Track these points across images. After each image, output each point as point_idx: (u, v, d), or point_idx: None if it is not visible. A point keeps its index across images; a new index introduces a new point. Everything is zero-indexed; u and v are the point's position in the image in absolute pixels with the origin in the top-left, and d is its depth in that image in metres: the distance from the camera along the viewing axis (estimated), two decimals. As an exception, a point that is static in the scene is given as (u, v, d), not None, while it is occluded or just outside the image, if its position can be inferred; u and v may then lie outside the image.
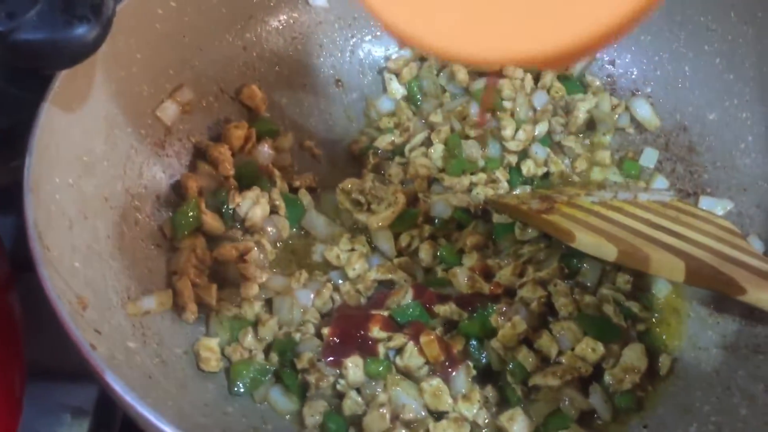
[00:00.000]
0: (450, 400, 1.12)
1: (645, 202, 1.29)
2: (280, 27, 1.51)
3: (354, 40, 1.58)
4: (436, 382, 1.12)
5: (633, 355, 1.17)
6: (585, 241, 1.14)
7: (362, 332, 1.14)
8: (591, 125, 1.51)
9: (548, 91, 1.50)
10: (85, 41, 0.94)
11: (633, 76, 1.54)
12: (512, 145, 1.43)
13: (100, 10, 0.93)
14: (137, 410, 0.84)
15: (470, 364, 1.17)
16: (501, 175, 1.41)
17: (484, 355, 1.19)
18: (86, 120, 1.14)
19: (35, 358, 1.10)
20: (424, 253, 1.31)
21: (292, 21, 1.52)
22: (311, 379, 1.12)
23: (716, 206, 1.38)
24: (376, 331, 1.14)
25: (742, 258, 1.06)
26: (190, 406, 1.06)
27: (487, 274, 1.28)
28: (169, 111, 1.33)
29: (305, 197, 1.40)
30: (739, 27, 1.37)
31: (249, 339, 1.18)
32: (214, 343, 1.16)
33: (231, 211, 1.31)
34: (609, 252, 1.12)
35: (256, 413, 1.13)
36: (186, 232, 1.26)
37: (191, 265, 1.23)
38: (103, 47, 1.00)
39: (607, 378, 1.16)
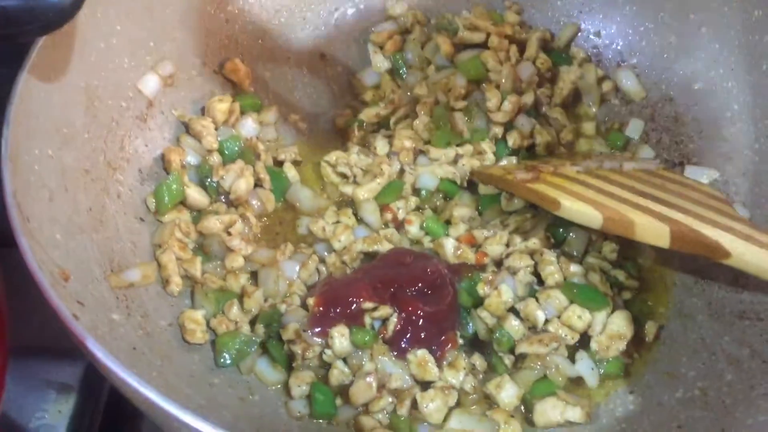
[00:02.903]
0: (436, 370, 1.12)
1: (630, 171, 1.29)
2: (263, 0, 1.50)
3: (338, 12, 1.57)
4: (422, 352, 1.12)
5: (619, 323, 1.17)
6: (570, 208, 1.14)
7: (348, 302, 1.13)
8: (577, 96, 1.50)
9: (534, 63, 1.50)
10: (61, 7, 0.92)
11: (618, 47, 1.54)
12: (498, 117, 1.42)
13: (76, -26, 0.91)
14: (121, 377, 0.83)
15: (457, 333, 1.17)
16: (487, 146, 1.41)
17: (470, 325, 1.19)
18: (65, 91, 1.13)
19: (20, 335, 1.09)
20: (411, 225, 1.30)
21: (275, -7, 1.51)
22: (297, 349, 1.12)
23: (702, 175, 1.38)
24: (361, 301, 1.14)
25: (727, 222, 1.06)
26: (175, 378, 1.05)
27: (474, 245, 1.28)
28: (150, 84, 1.31)
29: (290, 170, 1.39)
30: (724, -6, 1.37)
31: (234, 311, 1.18)
32: (199, 315, 1.15)
33: (215, 185, 1.30)
34: (594, 219, 1.12)
35: (242, 384, 1.13)
36: (169, 206, 1.25)
37: (175, 239, 1.22)
38: (81, 18, 0.98)
39: (594, 345, 1.16)
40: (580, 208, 1.14)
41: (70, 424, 1.17)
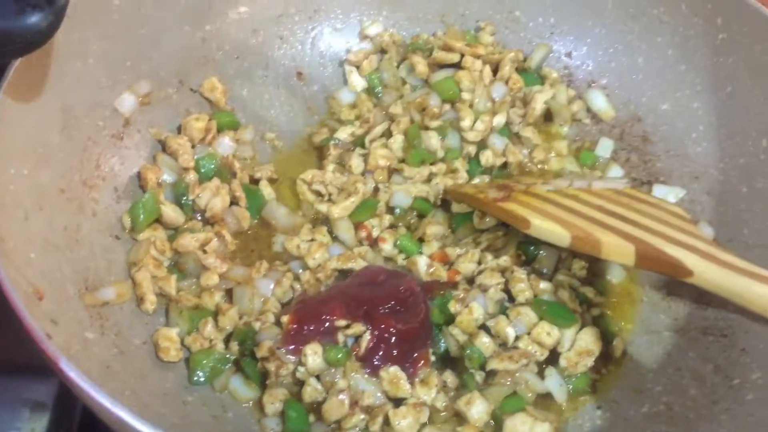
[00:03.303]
0: (408, 387, 1.13)
1: (599, 190, 1.32)
2: (240, 19, 1.52)
3: (314, 32, 1.59)
4: (394, 369, 1.14)
5: (587, 339, 1.20)
6: (539, 227, 1.17)
7: (321, 320, 1.15)
8: (548, 116, 1.53)
9: (507, 83, 1.52)
10: (38, 29, 0.93)
11: (589, 68, 1.57)
12: (471, 136, 1.45)
13: (53, -1, 0.93)
14: (93, 397, 0.84)
15: (429, 350, 1.19)
16: (460, 165, 1.43)
17: (442, 342, 1.20)
18: (41, 111, 1.14)
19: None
20: (385, 242, 1.32)
21: (252, 13, 1.53)
22: (271, 367, 1.13)
23: (669, 194, 1.41)
24: (335, 319, 1.15)
25: (690, 242, 1.08)
26: (149, 396, 1.06)
27: (447, 263, 1.30)
28: (127, 103, 1.33)
29: (266, 188, 1.40)
30: (690, 18, 1.41)
31: (209, 329, 1.19)
32: (173, 333, 1.16)
33: (191, 203, 1.31)
34: (563, 237, 1.14)
35: (216, 402, 1.14)
36: (145, 224, 1.26)
37: (150, 257, 1.23)
38: (58, 38, 1.00)
39: (563, 361, 1.19)
40: (548, 226, 1.16)
41: (43, 442, 1.17)
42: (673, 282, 1.26)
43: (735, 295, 0.96)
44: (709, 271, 1.01)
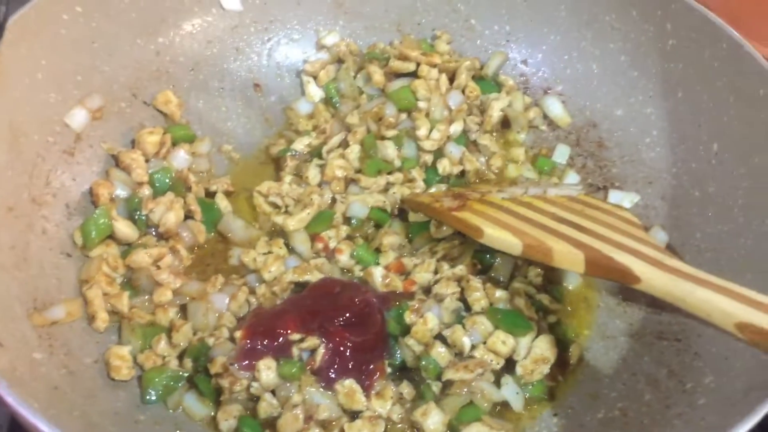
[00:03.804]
0: (364, 399, 1.13)
1: (553, 197, 1.32)
2: (194, 31, 1.51)
3: (270, 43, 1.59)
4: (349, 382, 1.13)
5: (543, 347, 1.20)
6: (492, 236, 1.17)
7: (275, 334, 1.14)
8: (505, 123, 1.54)
9: (463, 91, 1.53)
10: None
11: (545, 75, 1.58)
12: (427, 145, 1.45)
13: (-12, 17, 0.92)
14: (30, 421, 0.83)
15: (385, 362, 1.18)
16: (417, 174, 1.43)
17: (398, 353, 1.20)
18: (-13, 128, 1.12)
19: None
20: (341, 254, 1.32)
21: (206, 25, 1.52)
22: (225, 383, 1.12)
23: (624, 199, 1.42)
24: (289, 333, 1.14)
25: (638, 248, 1.09)
26: (99, 416, 1.05)
27: (403, 272, 1.30)
28: (78, 118, 1.32)
29: (222, 201, 1.39)
30: (640, 25, 1.42)
31: (162, 345, 1.18)
32: (125, 350, 1.15)
33: (144, 218, 1.30)
34: (514, 246, 1.15)
35: (169, 420, 1.13)
36: (97, 240, 1.25)
37: (102, 273, 1.22)
38: (5, 53, 0.99)
39: (519, 370, 1.19)
40: (501, 235, 1.17)
41: (-3, 466, 1.15)
42: (629, 288, 1.27)
43: (680, 301, 0.97)
44: (655, 278, 1.02)
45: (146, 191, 1.33)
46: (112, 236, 1.27)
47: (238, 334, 1.15)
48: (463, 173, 1.47)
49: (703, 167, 1.34)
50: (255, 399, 1.14)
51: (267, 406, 1.12)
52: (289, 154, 1.46)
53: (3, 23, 0.96)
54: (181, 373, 1.15)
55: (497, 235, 1.17)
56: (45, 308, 1.12)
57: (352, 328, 1.17)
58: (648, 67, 1.43)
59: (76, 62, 1.32)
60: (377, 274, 1.27)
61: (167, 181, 1.36)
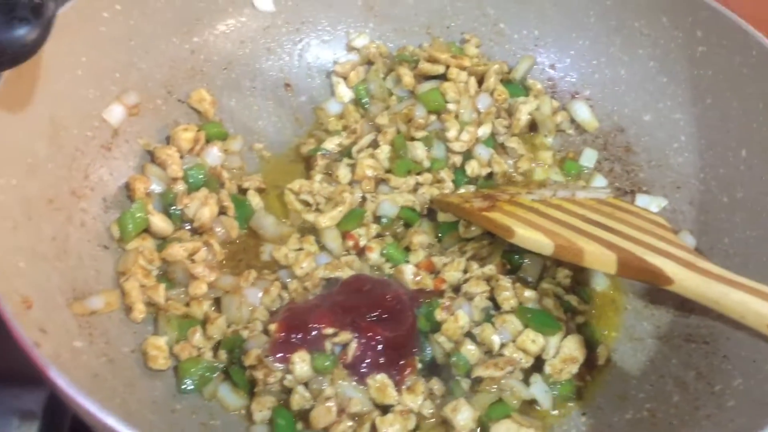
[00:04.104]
0: (395, 394, 1.15)
1: (582, 200, 1.34)
2: (228, 31, 1.53)
3: (302, 44, 1.61)
4: (381, 376, 1.15)
5: (572, 347, 1.21)
6: (523, 236, 1.18)
7: (309, 328, 1.16)
8: (533, 127, 1.55)
9: (491, 94, 1.55)
10: (25, 42, 0.95)
11: (572, 80, 1.60)
12: (456, 146, 1.47)
13: (41, 12, 0.94)
14: (82, 406, 0.85)
15: (416, 357, 1.20)
16: (446, 175, 1.45)
17: (429, 349, 1.22)
18: (30, 122, 1.15)
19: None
20: (372, 251, 1.34)
21: (239, 25, 1.54)
22: (259, 375, 1.14)
23: (651, 203, 1.44)
24: (322, 327, 1.16)
25: (670, 250, 1.11)
26: (137, 404, 1.07)
27: (433, 271, 1.32)
28: (115, 113, 1.34)
29: (254, 198, 1.41)
30: (670, 31, 1.44)
31: (197, 337, 1.19)
32: (162, 341, 1.17)
33: (179, 213, 1.32)
34: (546, 246, 1.16)
35: (204, 410, 1.14)
36: (133, 234, 1.27)
37: (139, 266, 1.24)
38: (47, 49, 1.01)
39: (547, 369, 1.20)
40: (532, 235, 1.18)
41: (33, 451, 1.17)
42: (656, 290, 1.27)
43: (713, 303, 0.98)
44: (688, 279, 1.03)
45: (181, 187, 1.35)
46: (147, 230, 1.29)
47: (272, 327, 1.17)
48: (491, 175, 1.49)
49: (731, 173, 1.35)
50: (288, 391, 1.15)
51: (300, 398, 1.14)
52: (319, 153, 1.48)
53: (52, 18, 0.99)
54: (216, 365, 1.17)
55: (528, 236, 1.18)
56: (84, 298, 1.14)
57: (384, 323, 1.19)
58: (677, 73, 1.45)
59: (114, 59, 1.34)
60: (408, 271, 1.29)
61: (201, 177, 1.38)
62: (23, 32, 0.92)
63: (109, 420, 0.84)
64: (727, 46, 1.35)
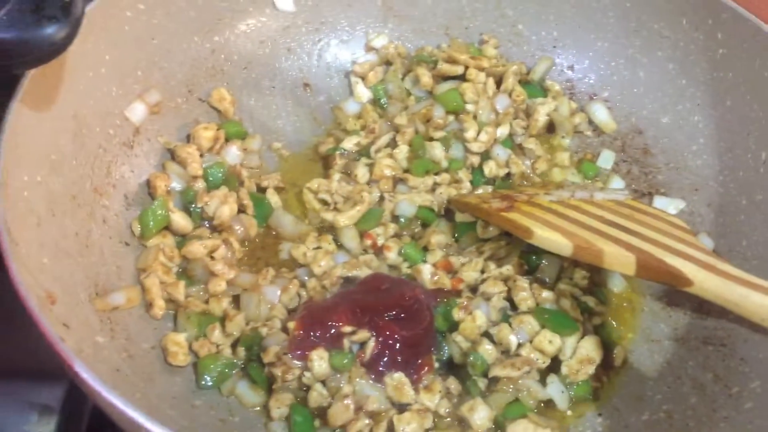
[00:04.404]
0: (412, 393, 1.15)
1: (600, 201, 1.34)
2: (248, 30, 1.54)
3: (321, 44, 1.62)
4: (398, 375, 1.15)
5: (589, 347, 1.22)
6: (542, 236, 1.19)
7: (327, 326, 1.17)
8: (551, 128, 1.56)
9: (510, 95, 1.55)
10: (54, 40, 0.96)
11: (591, 81, 1.60)
12: (474, 147, 1.47)
13: (70, 10, 0.95)
14: (106, 399, 0.86)
15: (433, 356, 1.21)
16: (464, 175, 1.46)
17: (446, 349, 1.22)
18: (55, 119, 1.16)
19: (1, 358, 1.11)
20: (390, 251, 1.34)
21: (260, 25, 1.56)
22: (277, 372, 1.15)
23: (669, 206, 1.44)
24: (340, 325, 1.17)
25: (689, 252, 1.11)
26: (157, 399, 1.08)
27: (450, 271, 1.32)
28: (137, 112, 1.35)
29: (273, 197, 1.42)
30: (690, 33, 1.44)
31: (216, 334, 1.21)
32: (181, 338, 1.18)
33: (199, 210, 1.34)
34: (565, 247, 1.17)
35: (223, 406, 1.15)
36: (154, 231, 1.28)
37: (159, 263, 1.25)
38: (72, 48, 1.02)
39: (564, 369, 1.20)
40: (551, 236, 1.18)
41: (51, 446, 1.18)
42: (674, 292, 1.28)
43: (733, 305, 0.98)
44: (708, 281, 1.03)
45: (200, 185, 1.36)
46: (168, 227, 1.31)
47: (290, 324, 1.18)
48: (508, 176, 1.49)
49: (750, 176, 1.35)
50: (305, 388, 1.16)
51: (318, 395, 1.15)
52: (338, 152, 1.49)
53: (81, 17, 1.00)
54: (234, 362, 1.18)
55: (547, 236, 1.19)
56: (106, 294, 1.16)
57: (402, 322, 1.19)
58: (696, 75, 1.45)
59: (137, 58, 1.36)
60: (426, 271, 1.29)
61: (221, 175, 1.39)
62: (52, 30, 0.94)
63: (134, 414, 0.85)
64: (748, 48, 1.34)
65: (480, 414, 1.15)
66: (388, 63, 1.62)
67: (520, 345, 1.21)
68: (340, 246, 1.37)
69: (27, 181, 1.08)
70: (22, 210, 1.05)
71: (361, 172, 1.45)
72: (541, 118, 1.53)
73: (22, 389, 1.23)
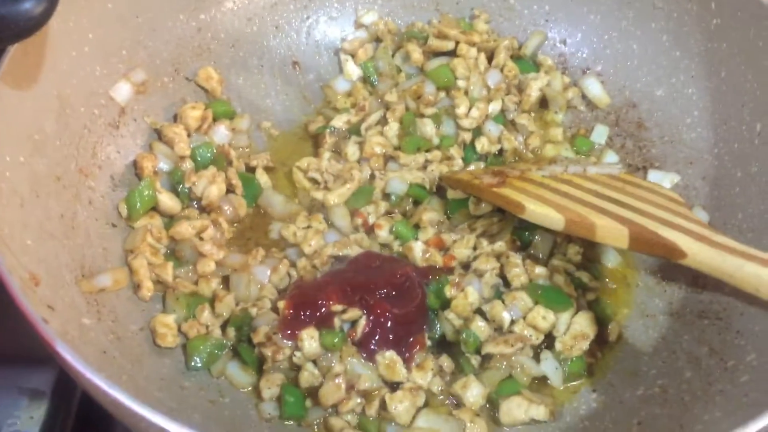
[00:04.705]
0: (404, 371, 1.14)
1: (593, 175, 1.32)
2: (235, 8, 1.52)
3: (310, 21, 1.59)
4: (390, 353, 1.14)
5: (583, 323, 1.20)
6: (534, 211, 1.17)
7: (318, 305, 1.15)
8: (543, 103, 1.54)
9: (502, 70, 1.53)
10: (31, 15, 0.94)
11: (584, 55, 1.57)
12: (466, 123, 1.45)
13: (47, -16, 0.93)
14: (90, 380, 0.85)
15: (425, 334, 1.19)
16: (455, 152, 1.44)
17: (438, 326, 1.21)
18: (37, 98, 1.14)
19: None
20: (381, 229, 1.33)
21: (246, 2, 1.53)
22: (268, 352, 1.14)
23: (664, 179, 1.42)
24: (331, 304, 1.16)
25: (683, 224, 1.09)
26: (145, 381, 1.07)
27: (442, 248, 1.31)
28: (122, 91, 1.33)
29: (262, 176, 1.41)
30: (683, 4, 1.41)
31: (206, 315, 1.19)
32: (170, 319, 1.17)
33: (187, 191, 1.32)
34: (557, 221, 1.15)
35: (213, 387, 1.14)
36: (141, 212, 1.26)
37: (147, 244, 1.24)
38: (53, 26, 1.00)
39: (558, 345, 1.19)
40: (543, 211, 1.17)
41: (41, 430, 1.17)
42: (669, 266, 1.27)
43: (728, 276, 0.97)
44: (702, 253, 1.02)
45: (188, 165, 1.35)
46: (155, 208, 1.29)
47: (280, 304, 1.16)
48: (501, 152, 1.47)
49: (745, 147, 1.33)
50: (296, 368, 1.15)
51: (309, 375, 1.13)
52: (328, 130, 1.47)
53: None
54: (224, 342, 1.17)
55: (539, 211, 1.17)
56: (92, 276, 1.14)
57: (393, 300, 1.18)
58: (690, 46, 1.42)
59: (121, 37, 1.33)
60: (418, 248, 1.28)
61: (209, 155, 1.37)
62: (30, 5, 0.92)
63: (118, 396, 0.83)
64: (742, 18, 1.32)
65: (473, 391, 1.14)
66: (378, 40, 1.60)
67: (513, 322, 1.20)
68: (330, 225, 1.35)
69: (9, 161, 1.06)
70: (5, 191, 1.03)
71: (352, 150, 1.43)
72: (533, 93, 1.51)
73: (13, 374, 1.22)
